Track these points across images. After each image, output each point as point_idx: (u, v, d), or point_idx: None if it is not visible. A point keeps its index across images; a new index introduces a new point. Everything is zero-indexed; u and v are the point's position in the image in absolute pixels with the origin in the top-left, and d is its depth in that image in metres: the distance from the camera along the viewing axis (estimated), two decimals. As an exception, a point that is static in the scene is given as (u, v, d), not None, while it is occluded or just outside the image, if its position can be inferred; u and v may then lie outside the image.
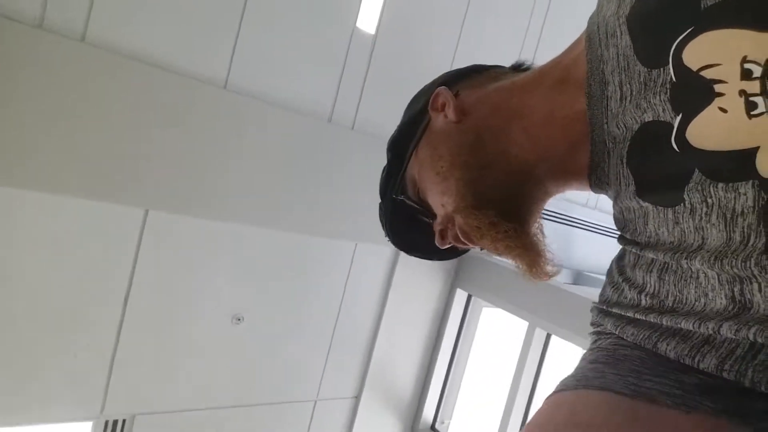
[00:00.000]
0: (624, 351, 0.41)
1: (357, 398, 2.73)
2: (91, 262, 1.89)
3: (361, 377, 2.72)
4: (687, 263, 0.37)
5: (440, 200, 0.56)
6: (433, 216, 0.60)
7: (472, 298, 2.92)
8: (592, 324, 0.49)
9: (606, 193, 0.49)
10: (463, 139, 0.54)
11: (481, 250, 0.61)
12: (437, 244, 0.59)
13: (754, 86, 0.32)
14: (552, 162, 0.50)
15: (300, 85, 2.19)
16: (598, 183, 0.48)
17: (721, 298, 0.36)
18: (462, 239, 0.55)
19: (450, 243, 0.58)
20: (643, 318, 0.41)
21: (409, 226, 0.64)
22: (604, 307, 0.46)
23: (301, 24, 2.15)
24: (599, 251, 3.76)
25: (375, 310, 2.70)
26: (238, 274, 2.24)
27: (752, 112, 0.32)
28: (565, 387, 0.39)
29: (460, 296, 2.89)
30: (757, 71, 0.32)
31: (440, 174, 0.55)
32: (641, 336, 0.40)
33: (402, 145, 0.63)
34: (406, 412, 2.93)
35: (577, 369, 0.42)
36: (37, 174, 1.70)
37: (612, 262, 0.50)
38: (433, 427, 2.98)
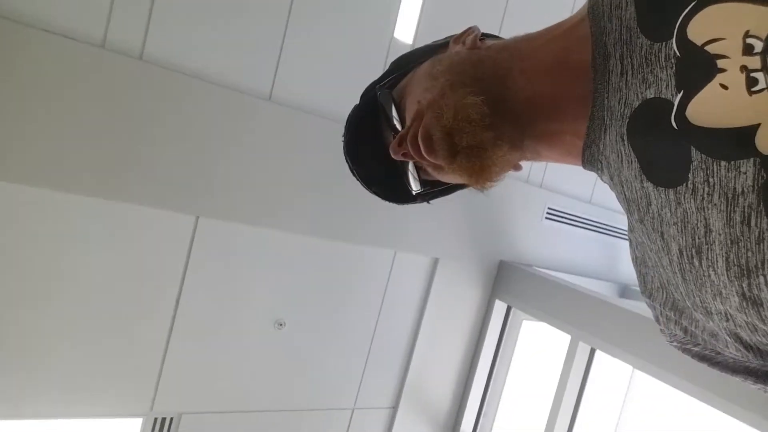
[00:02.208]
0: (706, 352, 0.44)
1: (394, 408, 2.73)
2: (146, 266, 2.00)
3: (398, 387, 2.72)
4: (706, 249, 0.35)
5: (419, 96, 0.53)
6: (403, 127, 0.55)
7: (512, 309, 2.86)
8: (660, 325, 0.50)
9: (597, 172, 0.47)
10: (468, 56, 0.53)
11: (423, 192, 0.58)
12: (390, 150, 0.54)
13: (755, 62, 0.31)
14: (541, 110, 0.48)
15: (341, 96, 2.24)
16: (590, 160, 0.47)
17: (734, 296, 0.34)
18: (421, 135, 0.50)
19: (402, 154, 0.53)
20: (692, 327, 0.42)
21: (369, 135, 0.60)
22: (668, 312, 0.46)
23: (341, 36, 2.21)
24: (648, 264, 3.61)
25: (413, 319, 2.71)
26: (282, 280, 2.31)
27: (753, 89, 0.31)
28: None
29: (500, 308, 2.84)
30: (759, 46, 0.31)
31: (431, 74, 0.53)
32: (704, 345, 0.42)
33: (407, 59, 0.61)
34: (444, 426, 2.89)
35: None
36: (100, 182, 1.83)
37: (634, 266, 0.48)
38: (471, 440, 2.93)
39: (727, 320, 0.36)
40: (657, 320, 0.49)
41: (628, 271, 3.54)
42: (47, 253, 1.82)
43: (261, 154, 2.12)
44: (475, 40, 0.55)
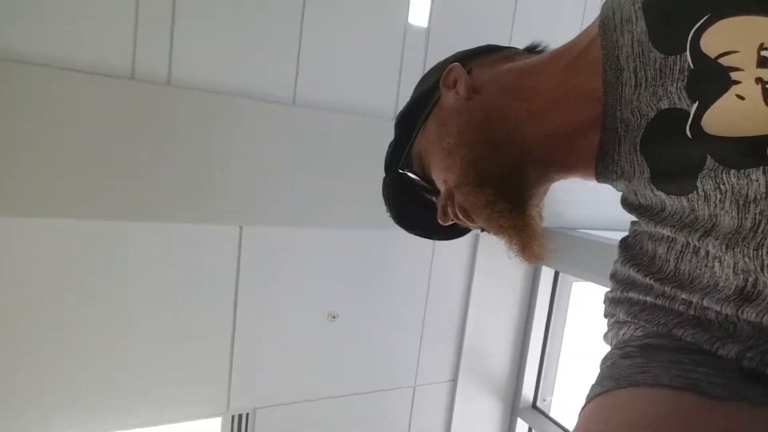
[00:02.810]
0: (650, 341, 0.40)
1: (454, 381, 2.80)
2: (201, 279, 2.13)
3: (455, 361, 2.79)
4: (700, 243, 0.37)
5: (443, 176, 0.56)
6: (437, 192, 0.59)
7: (560, 274, 2.85)
8: (606, 316, 0.48)
9: (611, 183, 0.48)
10: (471, 116, 0.53)
11: (482, 231, 0.61)
12: (439, 221, 0.58)
13: None
14: (556, 146, 0.49)
15: (363, 89, 2.26)
16: (603, 172, 0.47)
17: (730, 288, 0.36)
18: (461, 217, 0.55)
19: (452, 220, 0.57)
20: (659, 302, 0.41)
21: (411, 203, 0.64)
22: (618, 294, 0.46)
23: (355, 30, 2.21)
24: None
25: (461, 293, 2.74)
26: (329, 274, 2.39)
27: None
28: (607, 389, 0.37)
29: (547, 274, 2.83)
30: None
31: (446, 150, 0.55)
32: (656, 321, 0.40)
33: (410, 120, 0.62)
34: (505, 392, 2.95)
35: (610, 368, 0.39)
36: (149, 207, 1.95)
37: (619, 248, 0.49)
38: (534, 405, 2.97)
39: (704, 311, 0.38)
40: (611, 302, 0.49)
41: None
42: (114, 282, 1.97)
43: (292, 158, 2.17)
44: (468, 86, 0.54)
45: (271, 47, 2.08)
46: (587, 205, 3.00)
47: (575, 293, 2.92)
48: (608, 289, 0.49)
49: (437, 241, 2.61)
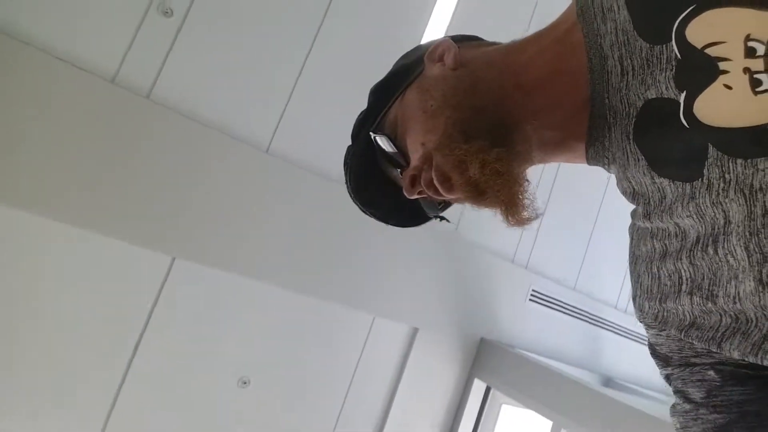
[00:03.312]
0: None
1: (359, 490, 2.48)
2: (111, 301, 1.90)
3: (365, 466, 2.50)
4: (723, 239, 0.36)
5: (422, 138, 0.52)
6: (408, 164, 0.55)
7: (491, 390, 2.72)
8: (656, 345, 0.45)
9: (604, 167, 0.48)
10: (458, 82, 0.52)
11: (441, 220, 0.56)
12: (405, 193, 0.54)
13: (758, 64, 0.33)
14: (544, 125, 0.48)
15: (340, 156, 2.30)
16: (595, 156, 0.47)
17: (750, 281, 0.34)
18: (437, 181, 0.50)
19: (419, 192, 0.53)
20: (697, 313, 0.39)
21: (373, 176, 0.60)
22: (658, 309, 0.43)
23: (349, 98, 2.32)
24: (630, 358, 3.52)
25: (387, 388, 2.55)
26: (251, 333, 2.20)
27: (757, 89, 0.33)
28: None
29: (478, 387, 2.70)
30: (761, 49, 0.32)
31: (428, 112, 0.52)
32: (705, 337, 0.38)
33: (388, 89, 0.59)
34: None
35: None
36: (84, 211, 1.80)
37: (631, 255, 0.47)
38: None
39: (734, 303, 0.36)
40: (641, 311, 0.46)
41: (610, 363, 3.44)
42: (19, 280, 1.73)
43: (250, 204, 2.12)
44: (456, 57, 0.54)
45: (261, 91, 2.13)
46: (526, 325, 3.00)
47: (503, 416, 2.77)
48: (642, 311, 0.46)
49: (372, 328, 2.49)
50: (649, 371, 3.68)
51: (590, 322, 3.34)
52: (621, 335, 3.50)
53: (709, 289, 0.37)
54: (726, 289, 0.36)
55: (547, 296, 3.10)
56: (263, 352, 2.22)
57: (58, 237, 1.80)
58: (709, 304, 0.37)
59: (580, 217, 3.28)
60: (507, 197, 0.47)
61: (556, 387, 2.32)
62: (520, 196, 0.48)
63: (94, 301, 1.87)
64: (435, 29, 2.52)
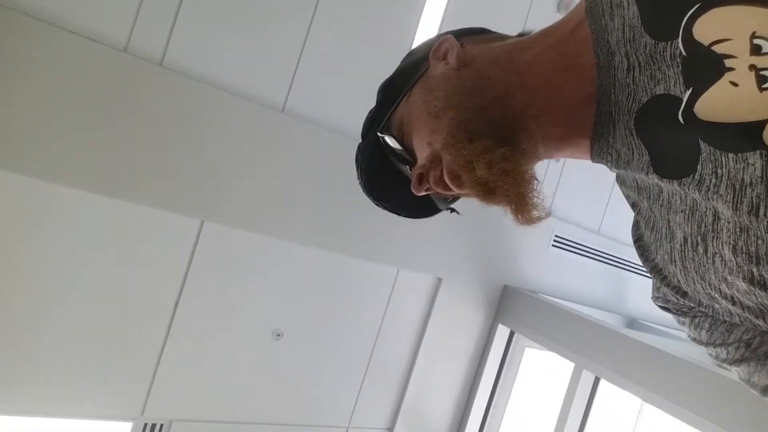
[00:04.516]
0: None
1: (390, 430, 2.65)
2: (148, 267, 2.01)
3: (395, 409, 2.65)
4: (712, 237, 0.37)
5: (428, 138, 0.53)
6: (414, 162, 0.57)
7: (515, 335, 2.81)
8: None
9: (607, 165, 0.48)
10: (460, 83, 0.52)
11: (451, 212, 0.58)
12: (413, 190, 0.55)
13: (764, 61, 0.33)
14: (549, 121, 0.49)
15: (355, 111, 2.29)
16: (599, 153, 0.48)
17: (740, 281, 0.35)
18: (447, 179, 0.51)
19: (426, 189, 0.54)
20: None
21: (384, 172, 0.62)
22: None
23: (358, 51, 2.27)
24: (656, 299, 3.53)
25: (413, 339, 2.66)
26: (283, 290, 2.30)
27: (764, 86, 0.33)
28: None
29: (502, 332, 2.79)
30: (767, 47, 0.32)
31: (432, 113, 0.53)
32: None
33: (395, 88, 0.60)
34: (441, 453, 2.80)
35: None
36: (110, 181, 1.86)
37: (636, 248, 0.49)
38: (469, 469, 2.82)
39: (734, 304, 0.38)
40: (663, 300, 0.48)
41: (636, 305, 3.47)
42: (46, 247, 1.84)
43: (271, 164, 2.15)
44: (459, 56, 0.54)
45: (272, 51, 2.10)
46: (549, 271, 3.02)
47: (526, 359, 2.87)
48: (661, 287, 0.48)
49: (397, 280, 2.56)
50: (675, 310, 3.70)
51: (614, 265, 3.34)
52: (646, 276, 3.51)
53: (706, 292, 0.39)
54: (722, 291, 0.37)
55: (570, 241, 3.10)
56: (294, 307, 2.33)
57: (87, 208, 1.89)
58: (716, 305, 0.40)
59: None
60: (516, 196, 0.47)
61: (577, 329, 2.38)
62: (530, 195, 0.48)
63: (133, 267, 1.98)
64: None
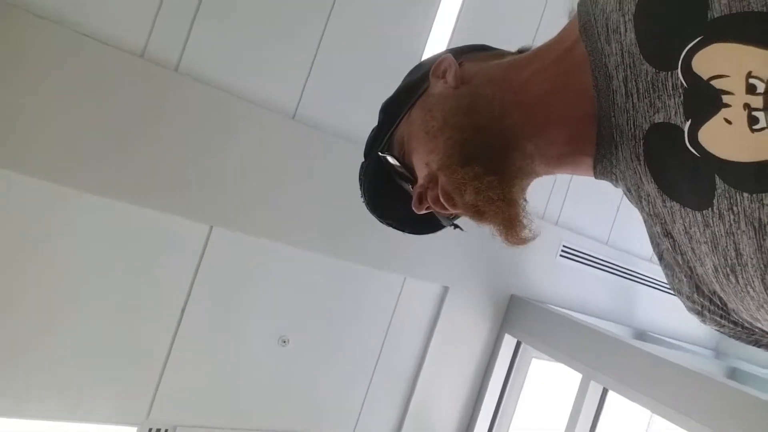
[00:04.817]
0: None
1: (395, 440, 2.63)
2: (156, 271, 2.02)
3: (400, 417, 2.63)
4: (740, 269, 0.37)
5: (426, 159, 0.55)
6: (415, 181, 0.58)
7: (522, 345, 2.78)
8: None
9: (612, 183, 0.49)
10: (457, 102, 0.53)
11: (454, 227, 0.59)
12: (414, 208, 0.57)
13: (757, 101, 0.33)
14: (547, 140, 0.49)
15: (365, 119, 2.30)
16: (603, 172, 0.48)
17: None
18: (442, 200, 0.52)
19: (427, 207, 0.56)
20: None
21: (387, 190, 0.63)
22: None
23: (368, 61, 2.29)
24: (664, 311, 3.50)
25: (419, 347, 2.65)
26: (290, 297, 2.30)
27: (754, 127, 0.33)
28: None
29: (509, 342, 2.77)
30: (761, 87, 0.33)
31: (429, 133, 0.54)
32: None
33: (396, 107, 0.62)
34: (446, 464, 2.76)
35: None
36: (120, 184, 1.88)
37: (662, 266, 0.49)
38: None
39: None
40: (698, 314, 0.48)
41: (645, 317, 3.44)
42: (54, 249, 1.85)
43: (280, 170, 2.16)
44: (457, 75, 0.55)
45: (285, 58, 2.13)
46: (557, 281, 3.01)
47: (533, 369, 2.84)
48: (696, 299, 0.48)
49: (404, 288, 2.56)
50: (684, 324, 3.66)
51: (623, 276, 3.31)
52: (655, 288, 3.47)
53: (748, 313, 0.39)
54: (761, 314, 0.38)
55: (578, 251, 3.08)
56: (301, 313, 2.33)
57: (106, 213, 1.91)
58: (759, 325, 0.40)
59: (613, 171, 3.19)
60: (503, 221, 0.49)
61: (585, 340, 2.35)
62: (517, 219, 0.49)
63: (141, 271, 1.99)
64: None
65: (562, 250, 3.02)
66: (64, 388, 1.90)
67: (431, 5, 2.42)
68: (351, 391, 2.50)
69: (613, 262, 3.25)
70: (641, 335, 3.40)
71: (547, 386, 3.06)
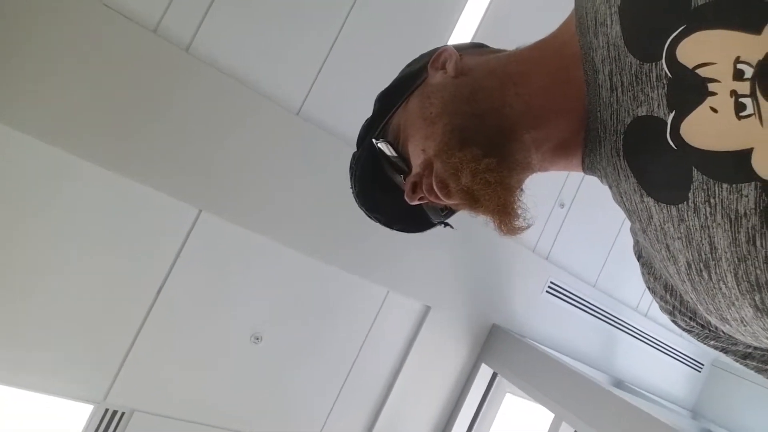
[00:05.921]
0: None
1: (356, 457, 2.55)
2: (137, 246, 1.98)
3: (368, 428, 2.56)
4: (714, 265, 0.36)
5: (422, 145, 0.54)
6: (409, 170, 0.57)
7: (498, 377, 2.73)
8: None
9: (599, 179, 0.49)
10: (457, 91, 0.53)
11: (444, 226, 0.57)
12: (406, 198, 0.56)
13: (744, 87, 0.32)
14: (544, 134, 0.49)
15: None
16: (591, 167, 0.48)
17: (747, 308, 0.35)
18: (436, 188, 0.51)
19: (420, 197, 0.55)
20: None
21: (378, 182, 0.61)
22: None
23: (382, 67, 2.29)
24: (645, 363, 3.46)
25: (394, 364, 2.59)
26: (269, 293, 2.25)
27: (741, 114, 0.32)
28: None
29: (485, 372, 2.72)
30: (749, 72, 0.32)
31: (427, 119, 0.53)
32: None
33: (392, 97, 0.61)
34: (405, 490, 2.68)
35: None
36: (116, 156, 1.86)
37: (642, 273, 0.48)
38: None
39: (744, 326, 0.37)
40: (670, 314, 0.48)
41: (624, 365, 3.39)
42: (33, 212, 1.81)
43: (278, 165, 2.14)
44: (457, 65, 0.55)
45: (297, 54, 2.13)
46: (540, 317, 2.97)
47: (506, 404, 2.78)
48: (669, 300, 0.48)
49: (386, 301, 2.52)
50: (664, 381, 3.62)
51: (607, 322, 3.28)
52: (638, 339, 3.44)
53: (717, 313, 0.38)
54: (731, 314, 0.37)
55: (564, 290, 3.06)
56: (278, 312, 2.28)
57: (95, 181, 1.87)
58: (727, 326, 0.39)
59: (609, 214, 3.19)
60: (497, 206, 0.48)
61: (562, 380, 2.31)
62: (512, 206, 0.48)
63: (123, 245, 1.95)
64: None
65: (549, 286, 2.99)
66: (24, 354, 1.83)
67: (450, 19, 2.44)
68: (319, 398, 2.44)
69: (598, 305, 3.22)
70: (618, 384, 3.35)
71: (518, 424, 3.00)
